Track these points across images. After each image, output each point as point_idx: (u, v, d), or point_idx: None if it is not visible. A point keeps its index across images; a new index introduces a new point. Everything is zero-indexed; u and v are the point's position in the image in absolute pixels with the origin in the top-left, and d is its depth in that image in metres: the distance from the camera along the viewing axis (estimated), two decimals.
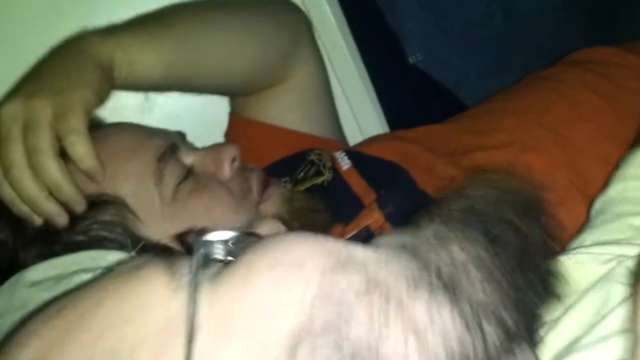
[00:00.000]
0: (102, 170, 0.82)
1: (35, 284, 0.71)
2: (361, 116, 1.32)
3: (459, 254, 0.42)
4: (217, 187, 0.89)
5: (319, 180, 1.03)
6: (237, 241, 0.45)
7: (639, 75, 1.04)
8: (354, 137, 1.30)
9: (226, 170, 0.92)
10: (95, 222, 0.82)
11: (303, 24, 1.17)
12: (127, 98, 1.13)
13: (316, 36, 1.23)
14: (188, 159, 0.91)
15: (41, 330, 0.42)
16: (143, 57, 0.92)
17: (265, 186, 0.95)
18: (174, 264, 0.43)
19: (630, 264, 0.55)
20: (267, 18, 1.10)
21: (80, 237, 0.81)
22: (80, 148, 0.80)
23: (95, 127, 0.90)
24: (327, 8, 1.26)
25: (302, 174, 1.04)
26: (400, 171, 1.00)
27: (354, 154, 1.09)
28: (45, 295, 0.69)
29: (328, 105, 1.21)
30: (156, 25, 0.98)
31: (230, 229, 0.46)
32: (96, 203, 0.82)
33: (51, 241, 0.81)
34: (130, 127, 0.94)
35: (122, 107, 1.20)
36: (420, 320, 0.39)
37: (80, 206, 0.81)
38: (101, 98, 0.84)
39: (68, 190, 0.80)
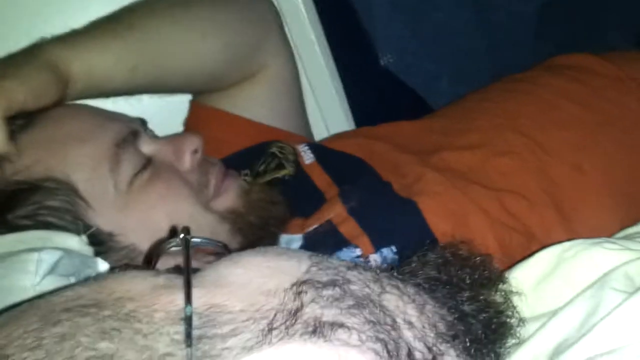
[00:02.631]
0: (15, 151, 0.80)
1: None
2: (329, 114, 1.30)
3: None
4: (174, 177, 0.86)
5: (281, 173, 1.00)
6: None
7: (618, 85, 1.04)
8: (320, 135, 1.28)
9: (186, 161, 0.89)
10: (42, 206, 0.79)
11: (271, 15, 1.14)
12: None
13: (287, 31, 1.21)
14: (148, 148, 0.87)
15: None
16: (103, 62, 0.90)
17: (222, 179, 0.93)
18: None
19: (629, 269, 0.53)
20: (232, 11, 1.08)
21: (26, 222, 0.78)
22: None
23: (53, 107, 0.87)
24: (300, 3, 1.23)
25: (262, 167, 1.01)
26: (365, 166, 0.98)
27: (317, 147, 1.07)
28: None
29: (296, 99, 1.18)
30: (115, 28, 0.95)
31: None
32: (43, 187, 0.79)
33: None
34: (89, 109, 0.91)
35: None
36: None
37: None
38: (36, 95, 0.81)
39: None
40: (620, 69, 1.05)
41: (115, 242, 0.81)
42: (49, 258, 0.68)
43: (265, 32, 1.11)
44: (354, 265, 0.47)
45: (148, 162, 0.85)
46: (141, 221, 0.82)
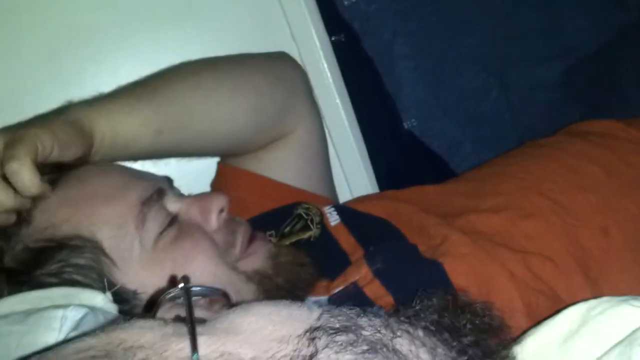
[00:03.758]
0: (48, 190, 0.80)
1: (3, 317, 0.70)
2: (352, 177, 1.31)
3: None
4: (201, 237, 0.86)
5: (306, 235, 1.00)
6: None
7: None
8: (344, 197, 1.27)
9: (213, 221, 0.89)
10: (68, 265, 0.79)
11: (299, 79, 1.16)
12: None
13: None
14: (173, 206, 0.88)
15: None
16: (127, 123, 0.91)
17: (250, 241, 0.92)
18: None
19: None
20: (260, 75, 1.09)
21: (52, 280, 0.78)
22: (21, 175, 0.77)
23: (80, 166, 0.89)
24: (325, 67, 1.25)
25: (288, 228, 1.01)
26: (391, 228, 0.97)
27: (343, 209, 1.06)
28: (14, 328, 0.67)
29: (322, 162, 1.19)
30: (140, 91, 0.97)
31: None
32: (69, 245, 0.80)
33: (21, 282, 0.78)
34: (116, 168, 0.92)
35: None
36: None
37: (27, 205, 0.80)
38: (62, 146, 0.82)
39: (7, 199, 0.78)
40: None
41: (140, 300, 0.81)
42: (73, 315, 0.68)
43: (293, 96, 1.12)
44: (364, 312, 0.47)
45: (174, 220, 0.86)
46: (166, 279, 0.82)
